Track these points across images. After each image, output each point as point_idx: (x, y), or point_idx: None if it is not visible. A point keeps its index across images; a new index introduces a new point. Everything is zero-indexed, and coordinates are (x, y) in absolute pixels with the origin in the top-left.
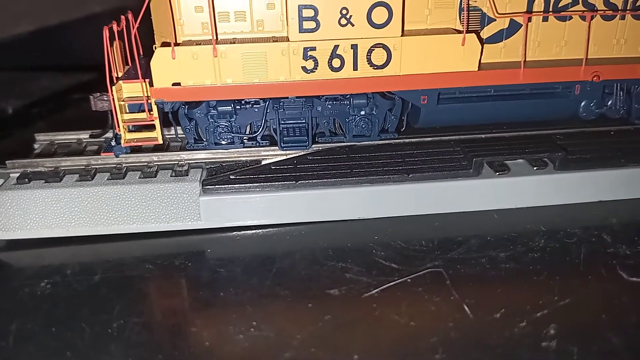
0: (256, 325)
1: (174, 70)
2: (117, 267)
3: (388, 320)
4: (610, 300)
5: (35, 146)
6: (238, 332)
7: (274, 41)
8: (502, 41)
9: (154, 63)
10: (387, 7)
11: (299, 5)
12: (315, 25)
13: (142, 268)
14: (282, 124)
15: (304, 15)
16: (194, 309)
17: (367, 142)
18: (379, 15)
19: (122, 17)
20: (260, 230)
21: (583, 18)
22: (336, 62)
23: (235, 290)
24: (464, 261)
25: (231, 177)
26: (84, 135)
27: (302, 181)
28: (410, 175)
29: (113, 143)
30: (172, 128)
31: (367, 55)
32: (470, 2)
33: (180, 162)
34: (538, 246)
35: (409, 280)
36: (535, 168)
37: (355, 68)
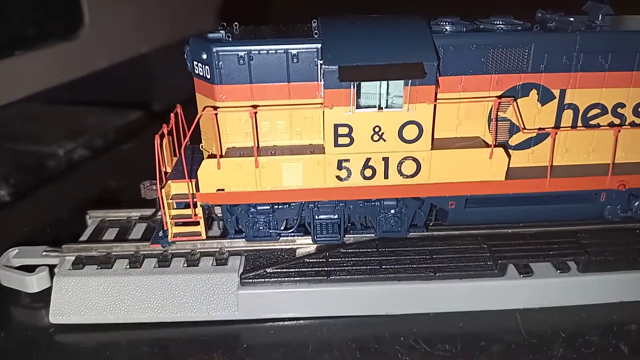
0: None
1: (219, 179)
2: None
3: None
4: None
5: (88, 221)
6: None
7: (310, 152)
8: (530, 147)
9: (201, 173)
10: (418, 125)
11: (334, 124)
12: (349, 141)
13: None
14: (316, 220)
15: (339, 133)
16: None
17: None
18: (410, 132)
19: (172, 114)
20: (293, 322)
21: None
22: (368, 172)
23: None
24: None
25: (267, 270)
26: (135, 214)
27: (333, 276)
28: (437, 274)
29: (160, 234)
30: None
31: (397, 167)
32: (499, 113)
33: (221, 250)
34: (557, 356)
35: None
36: (559, 272)
37: (386, 177)
